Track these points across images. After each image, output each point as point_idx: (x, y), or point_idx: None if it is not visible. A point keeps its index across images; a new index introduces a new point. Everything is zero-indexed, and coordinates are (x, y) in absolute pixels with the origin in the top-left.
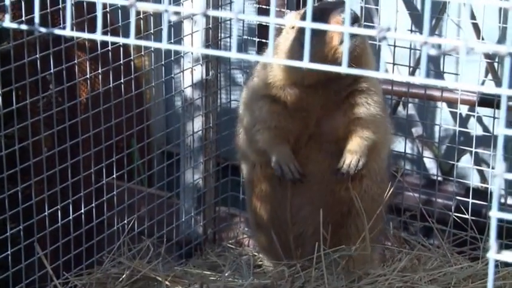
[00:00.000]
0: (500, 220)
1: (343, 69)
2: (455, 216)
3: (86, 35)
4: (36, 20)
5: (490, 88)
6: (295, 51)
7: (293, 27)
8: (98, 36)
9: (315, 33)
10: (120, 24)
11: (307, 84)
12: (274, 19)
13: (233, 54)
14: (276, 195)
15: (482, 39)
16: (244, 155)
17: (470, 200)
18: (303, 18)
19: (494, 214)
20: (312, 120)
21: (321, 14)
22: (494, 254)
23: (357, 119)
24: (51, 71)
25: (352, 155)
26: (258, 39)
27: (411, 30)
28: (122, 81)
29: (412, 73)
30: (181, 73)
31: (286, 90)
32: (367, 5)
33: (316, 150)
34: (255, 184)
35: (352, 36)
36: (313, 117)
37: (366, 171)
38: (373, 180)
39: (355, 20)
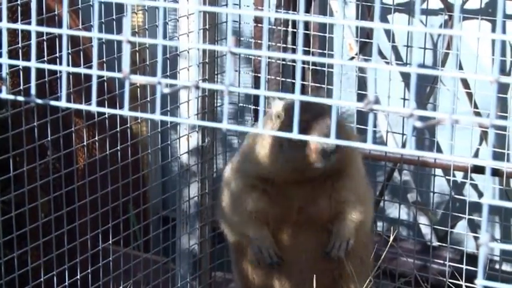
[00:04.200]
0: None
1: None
2: (449, 282)
3: (81, 107)
4: (33, 91)
5: (477, 160)
6: (275, 153)
7: (278, 116)
8: (94, 108)
9: (295, 146)
10: (117, 92)
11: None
12: (264, 91)
13: (224, 126)
14: None
15: (476, 107)
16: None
17: (464, 266)
18: (288, 113)
19: (480, 282)
20: (294, 208)
21: (304, 129)
22: None
23: (345, 202)
24: (49, 138)
25: (341, 238)
26: (254, 107)
27: (404, 99)
28: (118, 147)
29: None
30: (178, 140)
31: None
32: (361, 74)
33: (303, 230)
34: (244, 246)
35: (331, 153)
36: (296, 205)
37: None
38: (358, 241)
39: (331, 152)
